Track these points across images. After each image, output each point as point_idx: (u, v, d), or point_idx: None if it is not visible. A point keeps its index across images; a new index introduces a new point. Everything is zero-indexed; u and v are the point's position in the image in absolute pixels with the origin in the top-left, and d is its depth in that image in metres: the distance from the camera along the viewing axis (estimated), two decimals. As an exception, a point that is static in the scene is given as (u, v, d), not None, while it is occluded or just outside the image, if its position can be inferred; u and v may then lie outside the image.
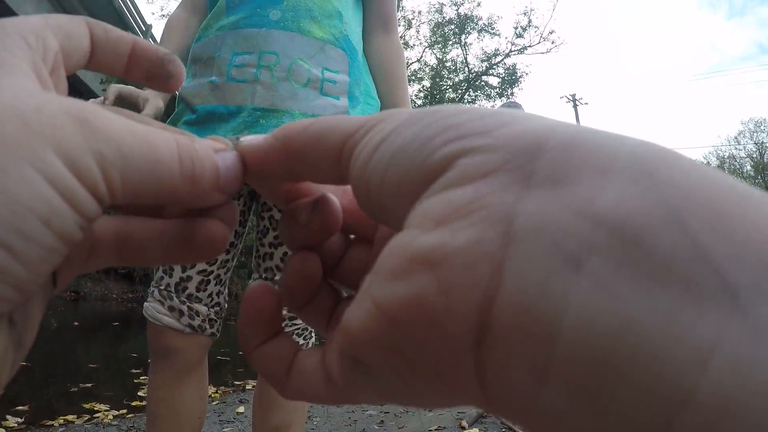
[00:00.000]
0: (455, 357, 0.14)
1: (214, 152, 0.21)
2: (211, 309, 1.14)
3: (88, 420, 2.66)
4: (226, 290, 1.21)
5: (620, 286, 0.11)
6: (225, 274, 1.19)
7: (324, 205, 0.23)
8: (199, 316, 1.12)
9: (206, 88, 1.10)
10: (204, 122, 1.09)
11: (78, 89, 9.78)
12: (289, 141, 0.21)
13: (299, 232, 0.23)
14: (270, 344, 0.22)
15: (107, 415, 2.75)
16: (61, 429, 2.52)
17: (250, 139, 0.22)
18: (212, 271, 1.14)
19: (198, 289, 1.13)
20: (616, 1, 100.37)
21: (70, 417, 2.65)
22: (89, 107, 0.17)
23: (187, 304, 1.11)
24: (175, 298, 1.11)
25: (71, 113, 0.16)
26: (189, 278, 1.13)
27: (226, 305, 1.21)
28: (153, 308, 1.12)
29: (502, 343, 0.13)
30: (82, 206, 0.16)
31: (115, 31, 0.23)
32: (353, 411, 3.03)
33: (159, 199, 0.19)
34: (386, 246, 0.16)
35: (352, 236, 0.26)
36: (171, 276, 1.13)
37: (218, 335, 1.18)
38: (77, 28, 0.22)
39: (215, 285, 1.16)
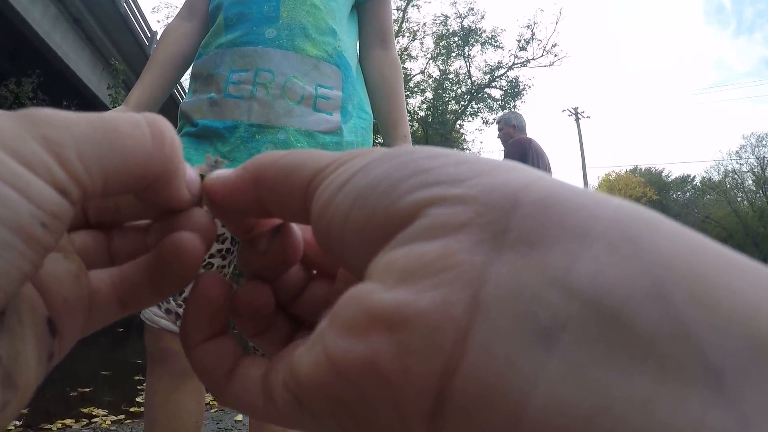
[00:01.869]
0: (407, 424, 0.13)
1: None
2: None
3: (86, 425, 2.67)
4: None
5: (594, 367, 0.10)
6: None
7: (284, 233, 0.22)
8: None
9: (205, 104, 1.14)
10: (203, 136, 1.13)
11: (84, 95, 9.84)
12: (260, 172, 0.20)
13: (257, 260, 0.23)
14: (213, 342, 0.22)
15: (105, 420, 2.76)
16: (58, 433, 2.53)
17: (218, 173, 0.22)
18: None
19: None
20: (622, 16, 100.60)
21: (68, 421, 2.66)
22: (31, 110, 0.16)
23: (184, 306, 1.12)
24: (171, 300, 1.13)
25: (10, 114, 0.16)
26: None
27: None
28: (150, 311, 1.13)
29: (460, 417, 0.12)
30: (36, 194, 0.15)
31: None
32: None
33: (135, 178, 0.18)
34: (344, 295, 0.15)
35: (314, 271, 0.25)
36: None
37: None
38: None
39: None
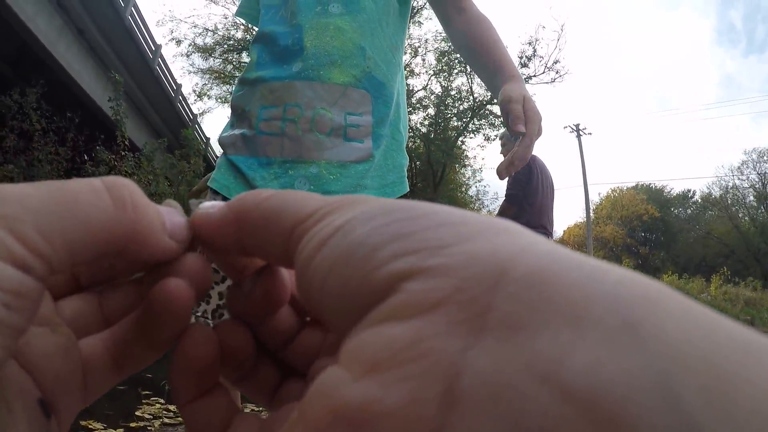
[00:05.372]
0: None
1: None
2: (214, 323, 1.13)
3: (84, 439, 2.62)
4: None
5: None
6: None
7: (269, 274, 0.21)
8: None
9: (239, 140, 1.16)
10: (239, 170, 1.15)
11: (87, 106, 9.87)
12: (242, 214, 0.19)
13: (243, 302, 0.22)
14: (205, 400, 0.21)
15: (103, 435, 2.70)
16: (56, 447, 2.48)
17: (206, 206, 0.21)
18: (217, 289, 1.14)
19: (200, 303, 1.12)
20: (627, 32, 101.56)
21: (65, 435, 2.60)
22: None
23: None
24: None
25: None
26: None
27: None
28: None
29: None
30: None
31: None
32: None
33: (103, 245, 0.17)
34: (313, 385, 0.13)
35: (308, 318, 0.24)
36: None
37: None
38: None
39: (218, 299, 1.16)
